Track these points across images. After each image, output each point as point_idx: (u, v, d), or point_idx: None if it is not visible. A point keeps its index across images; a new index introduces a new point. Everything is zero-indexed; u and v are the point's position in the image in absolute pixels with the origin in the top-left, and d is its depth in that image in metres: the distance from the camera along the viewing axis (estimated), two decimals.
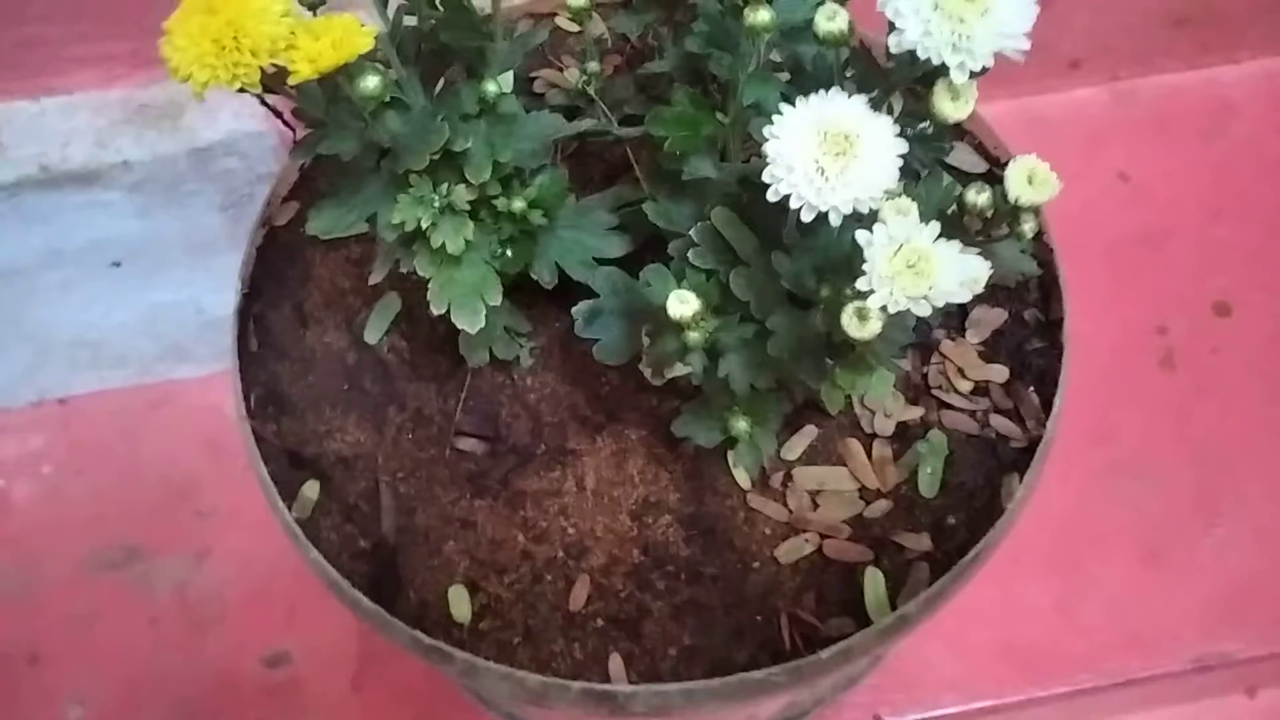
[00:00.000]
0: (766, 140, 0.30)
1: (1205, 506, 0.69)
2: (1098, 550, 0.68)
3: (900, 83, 0.31)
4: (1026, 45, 0.30)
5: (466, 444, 0.47)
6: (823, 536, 0.43)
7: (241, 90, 0.35)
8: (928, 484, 0.44)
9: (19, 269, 0.79)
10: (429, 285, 0.40)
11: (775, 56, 0.38)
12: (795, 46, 0.35)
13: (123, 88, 0.73)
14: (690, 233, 0.35)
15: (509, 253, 0.40)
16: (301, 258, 0.50)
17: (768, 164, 0.29)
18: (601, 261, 0.42)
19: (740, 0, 0.33)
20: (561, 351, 0.48)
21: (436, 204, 0.37)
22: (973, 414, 0.46)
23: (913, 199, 0.31)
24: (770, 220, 0.35)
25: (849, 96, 0.30)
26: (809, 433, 0.45)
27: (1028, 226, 0.33)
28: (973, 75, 0.29)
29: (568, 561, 0.43)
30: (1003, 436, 0.45)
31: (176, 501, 0.85)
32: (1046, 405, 0.46)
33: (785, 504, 0.44)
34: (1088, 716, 0.67)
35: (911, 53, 0.29)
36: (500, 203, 0.38)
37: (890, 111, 0.32)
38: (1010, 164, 0.31)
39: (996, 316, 0.48)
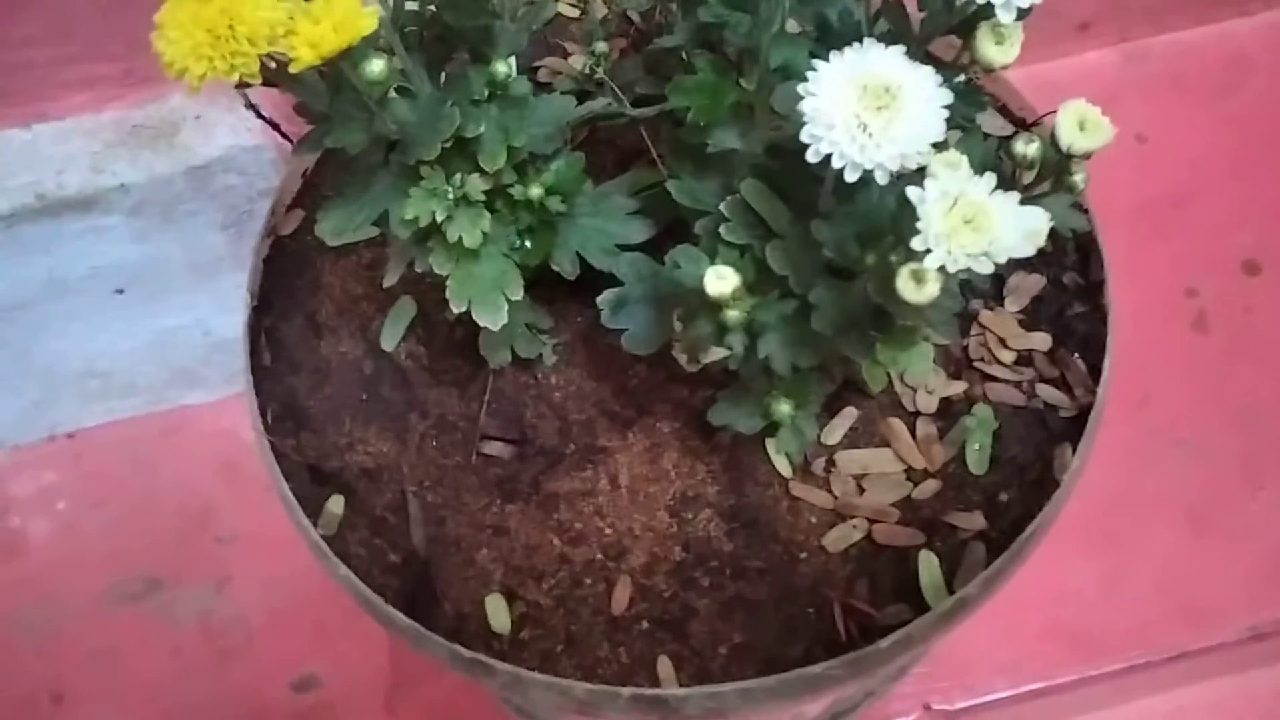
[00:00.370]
0: (801, 99, 0.28)
1: (1249, 470, 0.67)
2: (1141, 521, 0.66)
3: (935, 32, 0.30)
4: None
5: (493, 448, 0.45)
6: (871, 522, 0.41)
7: (241, 86, 0.33)
8: (977, 460, 0.42)
9: (22, 302, 0.77)
10: (447, 283, 0.38)
11: (791, 26, 0.36)
12: (818, 6, 0.33)
13: (115, 109, 0.71)
14: (720, 207, 0.34)
15: (528, 244, 0.38)
16: (310, 266, 0.48)
17: (804, 124, 0.28)
18: (624, 248, 0.40)
19: None
20: (585, 346, 0.46)
21: (450, 196, 0.36)
22: (1018, 385, 0.44)
23: None
24: (803, 189, 0.33)
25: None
26: (849, 415, 0.43)
27: (1078, 178, 0.31)
28: (1020, 14, 0.27)
29: (607, 563, 0.42)
30: (1051, 406, 0.43)
31: (195, 529, 0.84)
32: (1093, 371, 0.44)
33: (829, 490, 0.42)
34: (1141, 692, 0.65)
35: None
36: (516, 191, 0.37)
37: None
38: (1060, 110, 0.30)
39: (1034, 283, 0.46)
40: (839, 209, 0.32)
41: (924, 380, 0.43)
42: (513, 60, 0.37)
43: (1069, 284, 0.46)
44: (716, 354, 0.36)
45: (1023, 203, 0.31)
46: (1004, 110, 0.49)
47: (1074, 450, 0.41)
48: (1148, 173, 0.79)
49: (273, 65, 0.33)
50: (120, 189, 0.71)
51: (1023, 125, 0.48)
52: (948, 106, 0.28)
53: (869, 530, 0.41)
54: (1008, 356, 0.44)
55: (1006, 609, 0.57)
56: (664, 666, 0.39)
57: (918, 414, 0.43)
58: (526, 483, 0.44)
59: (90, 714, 0.76)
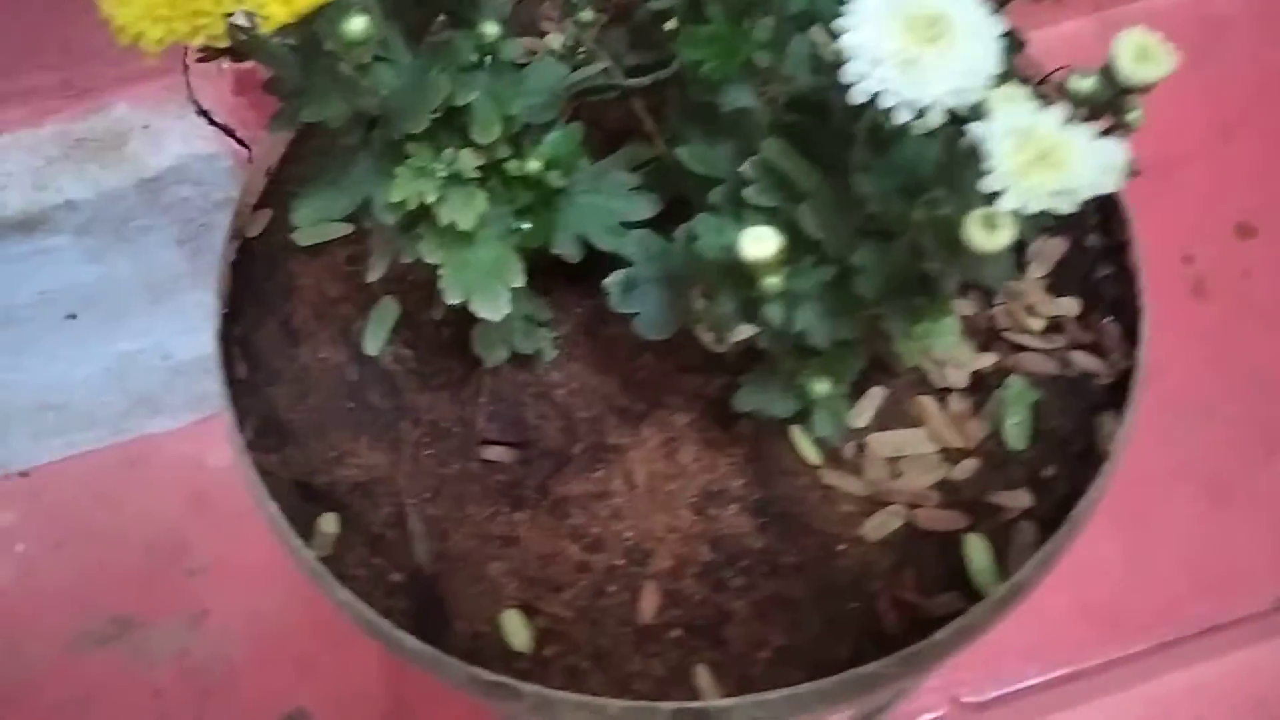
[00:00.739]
0: (821, 44, 0.26)
1: (1264, 435, 0.66)
2: (1159, 495, 0.64)
3: None
4: None
5: (493, 453, 0.42)
6: (910, 507, 0.39)
7: (205, 57, 0.30)
8: (1016, 435, 0.40)
9: None
10: (439, 273, 0.35)
11: None
12: None
13: (56, 122, 0.67)
14: (743, 168, 0.31)
15: (526, 226, 0.35)
16: (282, 269, 0.45)
17: (845, 62, 0.25)
18: (628, 227, 0.37)
19: None
20: (587, 338, 0.43)
21: (441, 174, 0.32)
22: (1051, 353, 0.41)
23: None
24: (831, 147, 0.30)
25: None
26: (876, 395, 0.40)
27: (1134, 115, 0.28)
28: None
29: (630, 568, 0.38)
30: (1087, 374, 0.41)
31: (165, 563, 0.79)
32: (1128, 334, 0.41)
33: (863, 476, 0.39)
34: (1172, 668, 0.63)
35: None
36: (512, 166, 0.33)
37: None
38: (1115, 42, 0.27)
39: (1057, 247, 0.43)
40: (875, 163, 0.29)
41: (952, 354, 0.41)
42: (500, 23, 0.33)
43: (1093, 246, 0.44)
44: (744, 332, 0.33)
45: None
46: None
47: (1118, 417, 0.39)
48: (1134, 140, 0.77)
49: (240, 33, 0.29)
50: (66, 206, 0.67)
51: (1035, 81, 0.46)
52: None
53: (909, 516, 0.38)
54: (1037, 324, 0.42)
55: (1031, 593, 0.54)
56: (702, 676, 0.36)
57: (948, 390, 0.41)
58: (534, 488, 0.41)
59: None
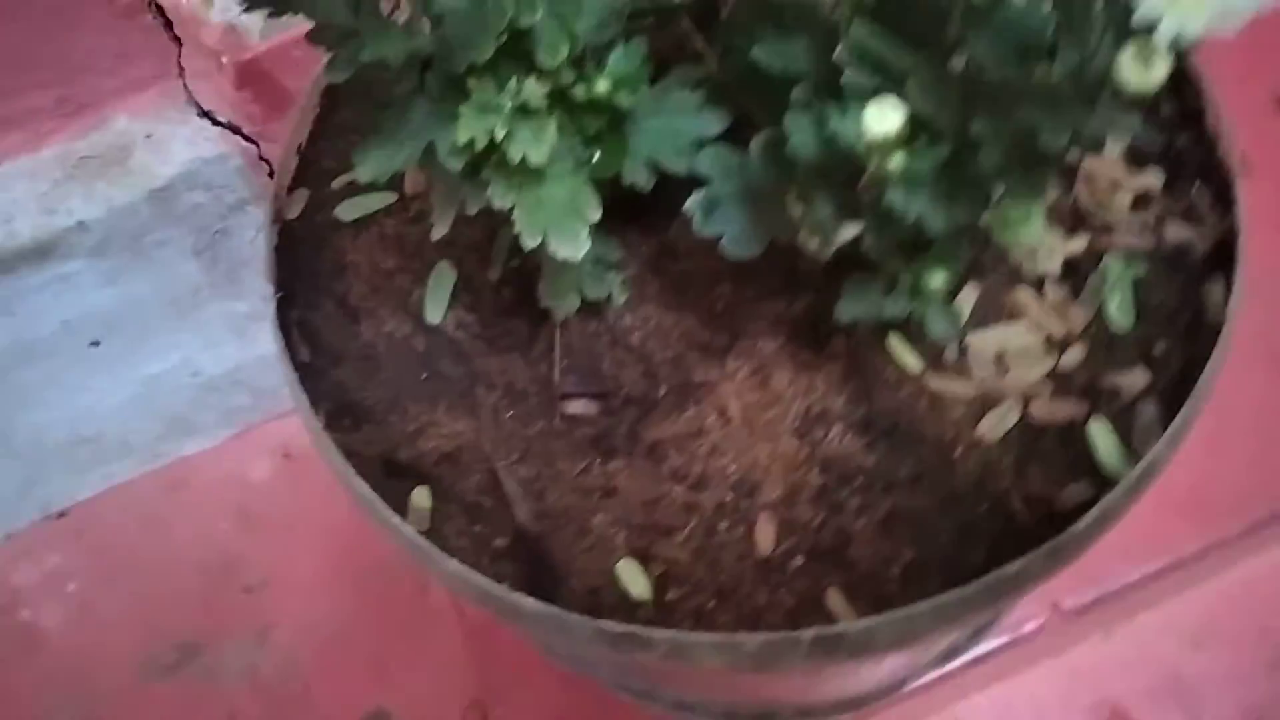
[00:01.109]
0: None
1: None
2: (1230, 374, 0.62)
3: None
4: None
5: (575, 407, 0.40)
6: (1024, 402, 0.37)
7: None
8: (1120, 315, 0.38)
9: None
10: (513, 215, 0.33)
11: None
12: None
13: (57, 143, 0.65)
14: (837, 54, 0.29)
15: (596, 156, 0.33)
16: (328, 247, 0.43)
17: None
18: (697, 147, 0.35)
19: None
20: (656, 277, 0.41)
21: (508, 106, 0.30)
22: (1142, 229, 0.39)
23: None
24: (923, 25, 0.29)
25: None
26: (970, 293, 0.39)
27: None
28: None
29: (740, 502, 0.37)
30: (1184, 244, 0.39)
31: (221, 583, 0.78)
32: (1218, 200, 0.40)
33: (969, 377, 0.37)
34: (1272, 545, 0.62)
35: None
36: (579, 91, 0.32)
37: None
38: None
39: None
40: (974, 35, 0.28)
41: (1041, 242, 0.39)
42: None
43: (1166, 115, 0.42)
44: (848, 233, 0.31)
45: None
46: None
47: (1226, 282, 0.37)
48: None
49: None
50: (78, 228, 0.65)
51: None
52: None
53: (1024, 411, 0.37)
54: (1123, 200, 0.40)
55: (1164, 471, 0.53)
56: (835, 600, 0.35)
57: (1043, 280, 0.39)
58: (623, 436, 0.39)
59: None
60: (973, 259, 0.38)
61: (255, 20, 0.62)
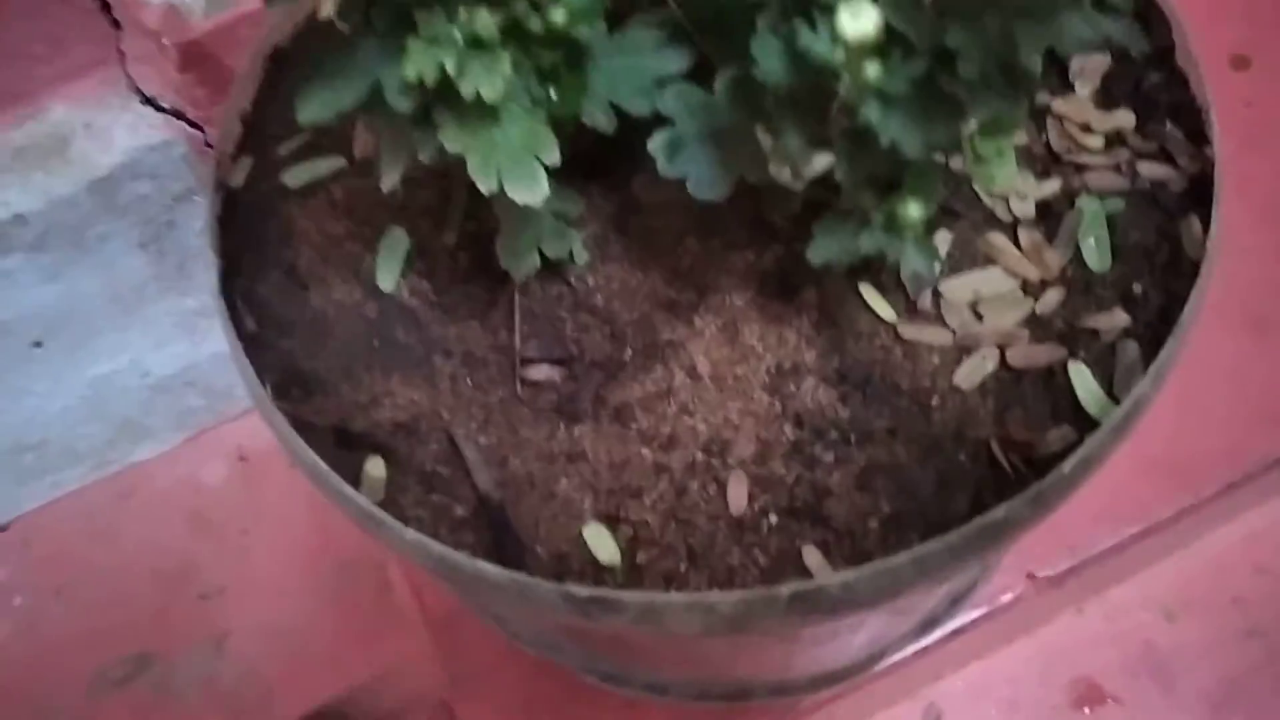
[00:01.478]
0: None
1: None
2: (1200, 333, 0.62)
3: None
4: None
5: (537, 373, 0.38)
6: (1001, 348, 0.36)
7: None
8: (1096, 256, 0.37)
9: None
10: (469, 161, 0.31)
11: None
12: None
13: None
14: None
15: (553, 93, 0.32)
16: (275, 215, 0.41)
17: None
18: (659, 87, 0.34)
19: None
20: (619, 235, 0.40)
21: (458, 39, 0.29)
22: (1116, 168, 0.39)
23: None
24: None
25: None
26: (942, 239, 0.37)
27: None
28: None
29: (711, 461, 0.35)
30: (1158, 182, 0.38)
31: (175, 592, 0.75)
32: (1191, 137, 0.39)
33: (945, 325, 0.36)
34: (1245, 509, 0.62)
35: None
36: (534, 23, 0.30)
37: None
38: None
39: (1100, 63, 0.41)
40: None
41: (1013, 185, 0.38)
42: None
43: (1137, 57, 0.41)
44: (820, 163, 0.29)
45: None
46: None
47: (1202, 220, 0.36)
48: None
49: None
50: (16, 221, 0.62)
51: None
52: None
53: (1002, 357, 0.36)
54: (1095, 142, 0.39)
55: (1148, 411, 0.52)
56: (811, 556, 0.33)
57: (1016, 223, 0.38)
58: (588, 400, 0.37)
59: None
60: (944, 204, 0.37)
61: (197, 0, 0.60)
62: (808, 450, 0.35)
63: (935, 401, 0.35)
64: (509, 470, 0.36)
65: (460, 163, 0.36)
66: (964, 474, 0.34)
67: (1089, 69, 0.40)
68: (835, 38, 0.24)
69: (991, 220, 0.38)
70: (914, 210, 0.29)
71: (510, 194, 0.31)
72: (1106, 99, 0.40)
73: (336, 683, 0.70)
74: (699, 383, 0.37)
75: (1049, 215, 0.38)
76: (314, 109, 0.30)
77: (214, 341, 0.75)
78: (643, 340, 0.38)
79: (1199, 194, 0.37)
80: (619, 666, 0.47)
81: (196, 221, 0.68)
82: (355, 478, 0.35)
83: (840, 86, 0.26)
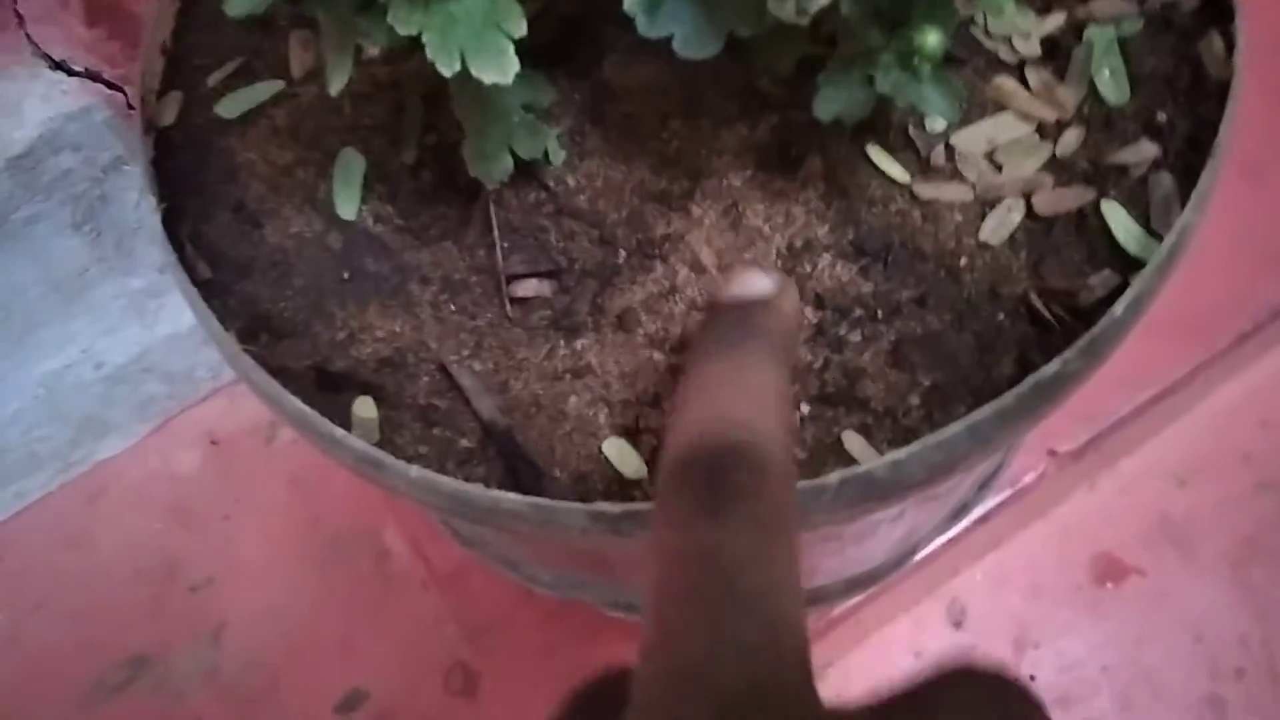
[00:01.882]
0: None
1: None
2: None
3: None
4: None
5: (525, 289, 0.35)
6: (1026, 196, 0.33)
7: None
8: (1113, 88, 0.34)
9: None
10: (426, 42, 0.28)
11: None
12: None
13: None
14: None
15: None
16: (214, 151, 0.37)
17: None
18: None
19: None
20: (596, 126, 0.36)
21: None
22: None
23: None
24: None
25: None
26: None
27: None
28: None
29: None
30: (1168, 3, 0.35)
31: (163, 588, 0.71)
32: None
33: (962, 180, 0.33)
34: (1247, 365, 0.60)
35: None
36: None
37: None
38: None
39: None
40: None
41: (1012, 24, 0.35)
42: None
43: None
44: None
45: None
46: None
47: (1225, 33, 0.34)
48: None
49: None
50: None
51: None
52: None
53: (1027, 206, 0.33)
54: None
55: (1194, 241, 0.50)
56: (853, 441, 0.31)
57: (1023, 64, 0.35)
58: (586, 312, 0.34)
59: None
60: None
61: None
62: (832, 331, 0.32)
63: (963, 262, 0.32)
64: (511, 394, 0.33)
65: (411, 66, 0.33)
66: (1004, 334, 0.31)
67: None
68: None
69: (996, 63, 0.35)
70: (932, 39, 0.26)
71: (476, 72, 0.28)
72: None
73: (342, 661, 0.67)
74: (705, 275, 0.34)
75: (1056, 52, 0.35)
76: (243, 1, 0.26)
77: (167, 322, 0.71)
78: (636, 239, 0.35)
79: (1215, 10, 0.34)
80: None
81: (131, 193, 0.63)
82: (345, 422, 0.32)
83: None
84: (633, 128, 0.36)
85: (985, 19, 0.35)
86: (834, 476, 0.28)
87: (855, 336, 0.32)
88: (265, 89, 0.38)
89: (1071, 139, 0.34)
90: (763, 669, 0.18)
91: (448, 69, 0.28)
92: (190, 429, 0.75)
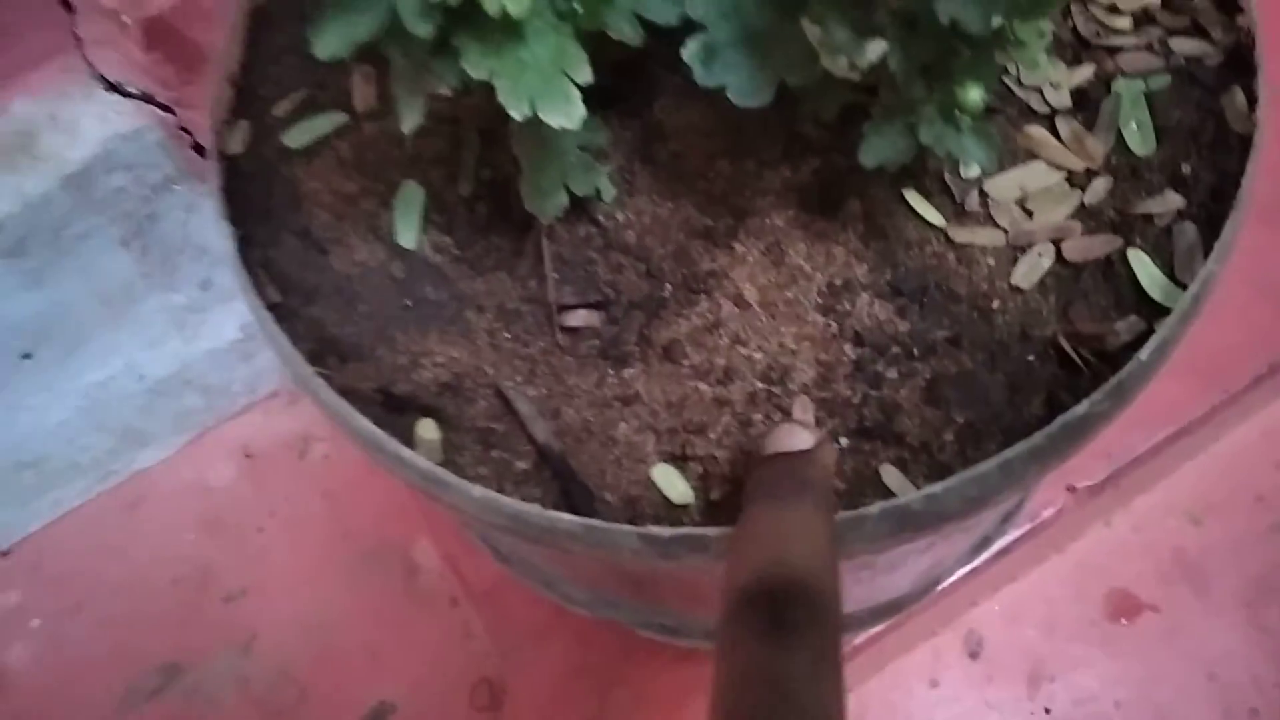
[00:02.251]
0: None
1: None
2: None
3: None
4: None
5: (575, 319, 0.37)
6: (1055, 243, 0.35)
7: None
8: (1140, 139, 0.36)
9: None
10: (497, 86, 0.29)
11: None
12: None
13: None
14: None
15: (578, 6, 0.30)
16: (280, 180, 0.39)
17: None
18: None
19: None
20: (645, 165, 0.38)
21: None
22: (1148, 48, 0.37)
23: None
24: None
25: None
26: None
27: None
28: None
29: (772, 390, 0.34)
30: (1193, 58, 0.37)
31: (197, 597, 0.73)
32: (1220, 7, 0.38)
33: (995, 225, 0.35)
34: (1262, 406, 0.61)
35: None
36: None
37: None
38: None
39: None
40: None
41: (1044, 75, 0.37)
42: None
43: None
44: (874, 50, 0.28)
45: None
46: None
47: (1245, 89, 0.35)
48: None
49: None
50: None
51: None
52: None
53: (1057, 252, 0.35)
54: (1123, 23, 0.38)
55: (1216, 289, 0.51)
56: (890, 476, 0.32)
57: (1053, 114, 0.37)
58: (633, 342, 0.36)
59: None
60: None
61: None
62: (871, 368, 0.34)
63: (996, 304, 0.34)
64: (563, 420, 0.35)
65: (470, 102, 0.35)
66: (1034, 375, 0.33)
67: None
68: None
69: (1027, 113, 0.37)
70: (974, 94, 0.28)
71: (544, 117, 0.30)
72: None
73: (370, 673, 0.69)
74: (748, 311, 0.35)
75: (1085, 103, 0.37)
76: (330, 43, 0.28)
77: (207, 337, 0.73)
78: (681, 273, 0.37)
79: (1237, 65, 0.36)
80: (679, 616, 0.46)
81: (178, 212, 0.66)
82: (408, 442, 0.34)
83: None
84: (680, 167, 0.38)
85: (1019, 70, 0.37)
86: (874, 508, 0.30)
87: (892, 373, 0.34)
88: (329, 121, 0.39)
89: (1100, 188, 0.35)
90: None
91: (518, 113, 0.29)
92: (226, 442, 0.77)
